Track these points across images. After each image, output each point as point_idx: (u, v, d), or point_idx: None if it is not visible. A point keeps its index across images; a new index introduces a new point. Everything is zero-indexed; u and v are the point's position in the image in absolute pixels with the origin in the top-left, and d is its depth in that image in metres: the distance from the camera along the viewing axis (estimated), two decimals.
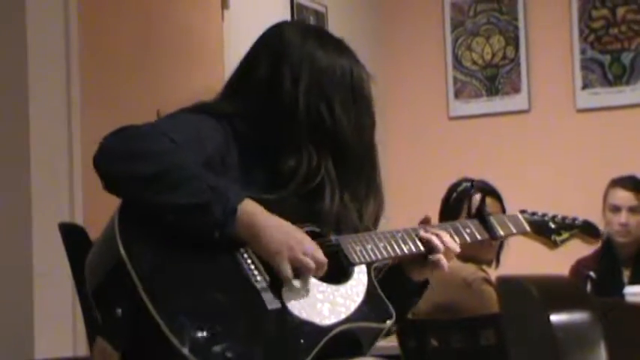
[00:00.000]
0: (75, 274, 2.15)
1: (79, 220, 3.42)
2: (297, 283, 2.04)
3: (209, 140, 2.10)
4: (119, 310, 1.95)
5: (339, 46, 2.27)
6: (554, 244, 2.57)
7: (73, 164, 3.52)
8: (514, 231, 2.49)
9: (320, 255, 2.06)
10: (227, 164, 2.11)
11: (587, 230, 2.65)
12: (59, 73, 3.54)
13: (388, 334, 2.21)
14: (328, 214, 2.14)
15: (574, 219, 2.63)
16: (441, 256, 2.22)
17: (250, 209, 2.02)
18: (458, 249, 2.28)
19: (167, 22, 4.14)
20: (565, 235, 2.59)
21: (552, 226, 2.58)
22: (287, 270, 2.03)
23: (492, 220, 2.43)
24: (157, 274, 1.95)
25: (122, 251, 1.93)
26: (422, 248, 2.23)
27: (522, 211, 2.55)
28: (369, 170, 2.25)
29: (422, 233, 2.24)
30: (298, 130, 2.16)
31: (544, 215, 2.59)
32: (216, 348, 1.90)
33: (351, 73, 2.24)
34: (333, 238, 2.14)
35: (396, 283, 2.25)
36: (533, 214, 2.57)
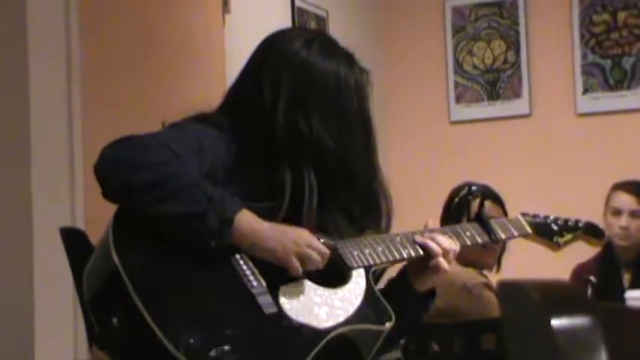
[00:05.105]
0: (76, 278, 2.15)
1: (80, 225, 3.42)
2: (295, 285, 2.05)
3: (211, 151, 2.10)
4: (115, 320, 1.96)
5: (329, 51, 2.22)
6: (556, 246, 2.57)
7: (74, 168, 3.51)
8: (515, 234, 2.48)
9: (321, 246, 2.06)
10: (229, 174, 2.11)
11: (591, 231, 2.65)
12: (60, 78, 3.54)
13: (395, 348, 2.20)
14: (307, 223, 2.12)
15: (577, 221, 2.63)
16: (439, 260, 2.22)
17: (247, 219, 2.01)
18: (456, 248, 2.26)
19: (168, 27, 4.14)
20: (568, 236, 2.59)
21: (554, 228, 2.57)
22: (296, 264, 2.03)
23: (492, 223, 2.42)
24: (152, 282, 1.95)
25: (116, 260, 1.93)
26: (420, 252, 2.22)
27: (524, 214, 2.55)
28: (365, 180, 2.22)
29: (418, 238, 2.24)
30: (279, 141, 2.14)
31: (546, 217, 2.59)
32: (213, 353, 1.90)
33: (338, 80, 2.19)
34: (330, 242, 2.13)
35: (401, 295, 2.24)
36: (535, 216, 2.56)
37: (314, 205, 2.12)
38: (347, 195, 2.20)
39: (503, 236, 2.44)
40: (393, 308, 2.14)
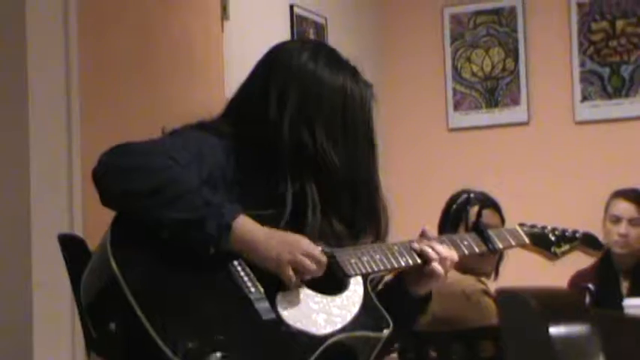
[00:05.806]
0: (74, 285, 2.15)
1: (78, 231, 3.41)
2: (293, 292, 2.05)
3: (210, 158, 2.10)
4: (113, 325, 1.96)
5: (335, 65, 2.23)
6: (554, 256, 2.57)
7: (72, 175, 3.51)
8: (513, 243, 2.49)
9: (318, 253, 2.06)
10: (228, 182, 2.11)
11: (588, 242, 2.64)
12: (59, 84, 3.54)
13: (390, 352, 2.20)
14: (310, 234, 2.12)
15: (574, 231, 2.62)
16: (435, 265, 2.21)
17: (245, 224, 2.02)
18: (456, 257, 2.27)
19: (167, 33, 4.15)
20: (565, 247, 2.58)
21: (552, 238, 2.57)
22: (290, 274, 2.03)
23: (490, 232, 2.43)
24: (150, 287, 1.95)
25: (114, 266, 1.93)
26: (418, 260, 2.23)
27: (521, 224, 2.55)
28: (366, 193, 2.23)
29: (415, 245, 2.24)
30: (283, 153, 2.15)
31: (544, 227, 2.58)
32: (211, 359, 1.90)
33: (344, 94, 2.20)
34: (328, 250, 2.13)
35: (397, 298, 2.24)
36: (533, 226, 2.56)
37: (318, 222, 2.14)
38: (347, 205, 2.20)
39: (500, 246, 2.44)
40: (388, 311, 2.14)
